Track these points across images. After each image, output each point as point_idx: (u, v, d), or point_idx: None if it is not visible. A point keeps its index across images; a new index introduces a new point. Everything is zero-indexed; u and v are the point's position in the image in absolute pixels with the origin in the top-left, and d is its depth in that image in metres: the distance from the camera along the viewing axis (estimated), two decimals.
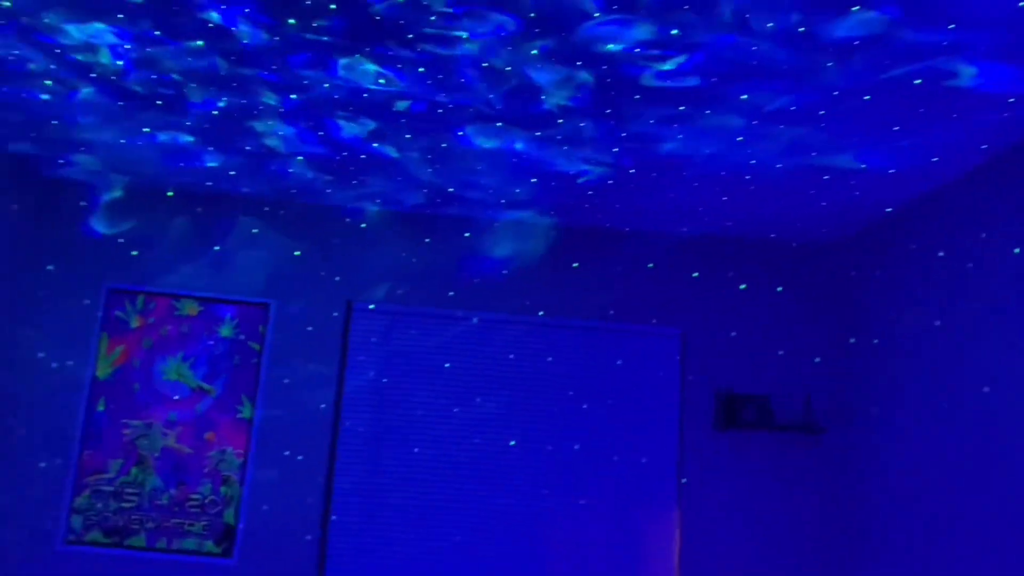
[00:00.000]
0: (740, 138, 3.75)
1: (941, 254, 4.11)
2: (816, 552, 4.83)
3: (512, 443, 4.85)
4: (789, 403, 4.94)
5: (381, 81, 3.41)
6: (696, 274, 5.11)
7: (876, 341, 4.66)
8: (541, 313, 5.00)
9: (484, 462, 4.82)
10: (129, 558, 4.62)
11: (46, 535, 4.58)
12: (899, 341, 4.46)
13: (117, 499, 4.65)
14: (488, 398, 4.88)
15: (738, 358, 5.01)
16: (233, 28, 3.07)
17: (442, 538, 4.73)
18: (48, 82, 3.58)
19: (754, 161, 3.99)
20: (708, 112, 3.53)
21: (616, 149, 3.95)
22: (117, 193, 4.94)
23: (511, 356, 4.94)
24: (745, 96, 3.38)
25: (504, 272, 5.04)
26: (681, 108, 3.50)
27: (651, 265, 5.07)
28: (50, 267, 4.81)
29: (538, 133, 3.82)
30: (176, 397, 4.77)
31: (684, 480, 4.84)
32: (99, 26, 3.11)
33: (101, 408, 4.72)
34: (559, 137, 3.85)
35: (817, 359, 5.03)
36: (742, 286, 5.11)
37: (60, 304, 4.79)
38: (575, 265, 5.07)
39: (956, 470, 3.90)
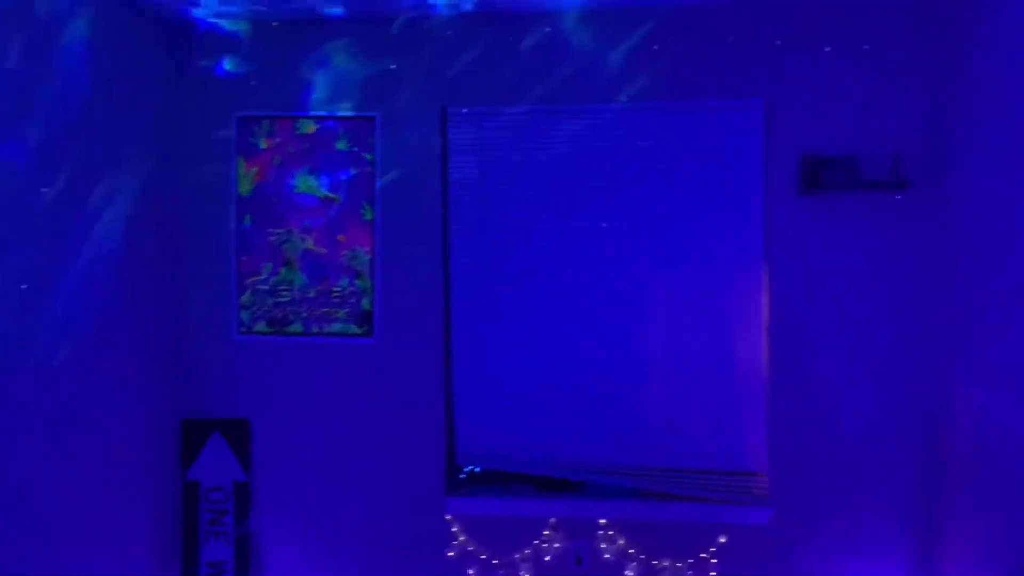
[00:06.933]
0: None
1: None
2: (910, 305, 5.05)
3: (604, 224, 5.26)
4: (877, 162, 4.98)
5: None
6: (778, 41, 5.10)
7: (974, 89, 4.59)
8: (623, 99, 5.22)
9: (581, 241, 5.29)
10: (291, 343, 5.54)
11: (225, 327, 5.55)
12: (997, 89, 4.39)
13: (273, 295, 5.53)
14: (587, 183, 5.27)
15: (824, 122, 5.06)
16: None
17: (554, 307, 5.33)
18: None
19: None
20: None
21: None
22: (235, 28, 5.46)
23: (600, 144, 5.25)
24: None
25: (584, 62, 5.25)
26: None
27: (731, 39, 5.11)
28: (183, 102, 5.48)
29: None
30: (308, 207, 5.47)
31: (769, 242, 5.12)
32: None
33: (247, 222, 5.50)
34: None
35: (908, 113, 5.00)
36: (826, 48, 5.06)
37: (200, 134, 5.49)
38: (654, 47, 5.18)
39: None
